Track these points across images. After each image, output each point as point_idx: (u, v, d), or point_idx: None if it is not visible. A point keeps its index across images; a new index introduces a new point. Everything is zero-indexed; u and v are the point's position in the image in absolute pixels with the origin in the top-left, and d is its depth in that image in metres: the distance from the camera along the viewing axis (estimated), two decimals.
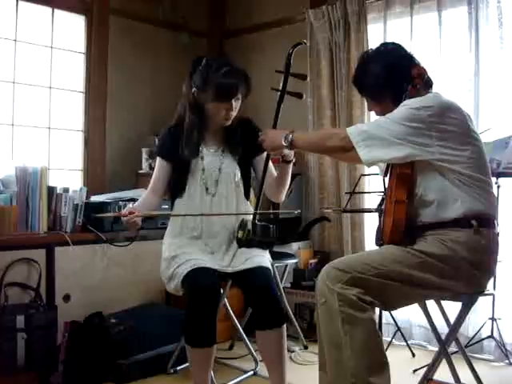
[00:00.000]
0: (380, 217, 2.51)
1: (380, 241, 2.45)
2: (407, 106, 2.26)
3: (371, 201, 4.17)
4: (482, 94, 3.78)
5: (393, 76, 2.40)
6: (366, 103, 4.10)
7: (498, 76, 3.70)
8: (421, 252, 2.24)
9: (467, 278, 2.26)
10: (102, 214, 3.31)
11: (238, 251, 2.80)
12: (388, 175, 2.45)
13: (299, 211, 3.18)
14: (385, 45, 2.59)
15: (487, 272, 2.33)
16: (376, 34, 4.26)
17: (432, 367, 2.55)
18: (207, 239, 2.82)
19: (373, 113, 2.63)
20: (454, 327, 2.46)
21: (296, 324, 3.99)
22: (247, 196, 2.95)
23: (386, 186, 2.49)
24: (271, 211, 3.76)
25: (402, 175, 2.31)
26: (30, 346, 3.14)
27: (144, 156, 4.61)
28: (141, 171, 4.61)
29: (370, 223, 4.20)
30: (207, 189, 2.84)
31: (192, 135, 2.82)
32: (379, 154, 2.25)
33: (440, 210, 2.27)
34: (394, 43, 2.57)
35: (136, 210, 2.70)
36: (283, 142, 2.50)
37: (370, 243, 4.21)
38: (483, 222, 2.26)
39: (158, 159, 2.94)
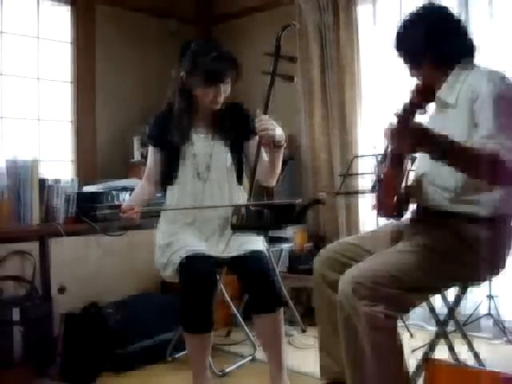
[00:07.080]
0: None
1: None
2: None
3: (365, 182, 4.16)
4: None
5: (460, 39, 2.29)
6: (357, 84, 4.16)
7: (489, 53, 3.68)
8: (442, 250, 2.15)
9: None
10: (97, 205, 3.31)
11: (232, 237, 2.77)
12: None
13: (300, 200, 3.14)
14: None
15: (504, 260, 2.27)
16: (365, 15, 4.21)
17: (431, 347, 2.55)
18: (201, 225, 2.81)
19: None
20: (453, 308, 2.45)
21: (293, 308, 3.98)
22: (240, 181, 2.93)
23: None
24: (276, 201, 3.68)
25: None
26: (27, 339, 3.12)
27: (136, 145, 4.58)
28: (133, 160, 4.58)
29: (365, 205, 4.18)
30: (199, 174, 2.82)
31: (182, 120, 2.79)
32: None
33: (462, 199, 2.16)
34: None
35: (134, 205, 2.76)
36: None
37: (365, 225, 4.21)
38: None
39: (150, 147, 2.93)
